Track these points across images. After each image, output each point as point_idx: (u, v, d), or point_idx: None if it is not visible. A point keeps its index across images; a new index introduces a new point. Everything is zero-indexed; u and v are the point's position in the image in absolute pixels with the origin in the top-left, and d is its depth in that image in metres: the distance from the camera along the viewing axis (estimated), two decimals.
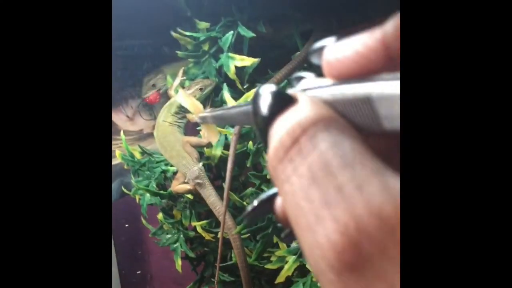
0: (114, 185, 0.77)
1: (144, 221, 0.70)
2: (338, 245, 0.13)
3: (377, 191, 0.13)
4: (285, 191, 0.15)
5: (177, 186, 0.62)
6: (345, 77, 0.16)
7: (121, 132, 0.66)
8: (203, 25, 0.63)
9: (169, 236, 0.67)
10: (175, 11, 0.67)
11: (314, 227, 0.14)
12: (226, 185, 0.59)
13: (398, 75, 0.15)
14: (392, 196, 0.13)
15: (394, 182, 0.14)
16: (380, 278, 0.13)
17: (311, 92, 0.17)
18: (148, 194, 0.63)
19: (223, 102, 0.65)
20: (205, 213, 0.68)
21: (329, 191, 0.14)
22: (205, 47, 0.63)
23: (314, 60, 0.19)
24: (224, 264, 0.66)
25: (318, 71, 0.19)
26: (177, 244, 0.66)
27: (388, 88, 0.15)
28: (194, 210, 0.65)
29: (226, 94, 0.63)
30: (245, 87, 0.66)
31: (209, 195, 0.62)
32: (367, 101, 0.15)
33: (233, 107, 0.24)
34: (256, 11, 0.64)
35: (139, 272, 0.79)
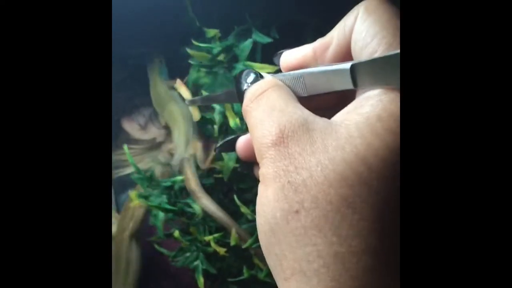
0: (125, 196, 0.75)
1: (157, 246, 0.65)
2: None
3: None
4: (252, 115, 0.26)
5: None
6: (291, 70, 0.28)
7: (125, 146, 0.63)
8: (212, 32, 0.60)
9: (188, 254, 0.64)
10: (186, 20, 0.65)
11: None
12: None
13: (319, 66, 0.26)
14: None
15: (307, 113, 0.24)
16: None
17: (273, 76, 0.28)
18: (161, 213, 0.61)
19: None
20: (217, 226, 0.66)
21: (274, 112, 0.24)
22: (220, 58, 0.61)
23: (276, 61, 0.30)
24: (237, 279, 0.64)
25: None
26: (197, 261, 0.63)
27: (312, 70, 0.26)
28: (206, 224, 0.63)
29: None
30: None
31: (207, 205, 0.61)
32: (301, 77, 0.26)
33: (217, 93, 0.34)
34: (270, 17, 0.62)
35: None
